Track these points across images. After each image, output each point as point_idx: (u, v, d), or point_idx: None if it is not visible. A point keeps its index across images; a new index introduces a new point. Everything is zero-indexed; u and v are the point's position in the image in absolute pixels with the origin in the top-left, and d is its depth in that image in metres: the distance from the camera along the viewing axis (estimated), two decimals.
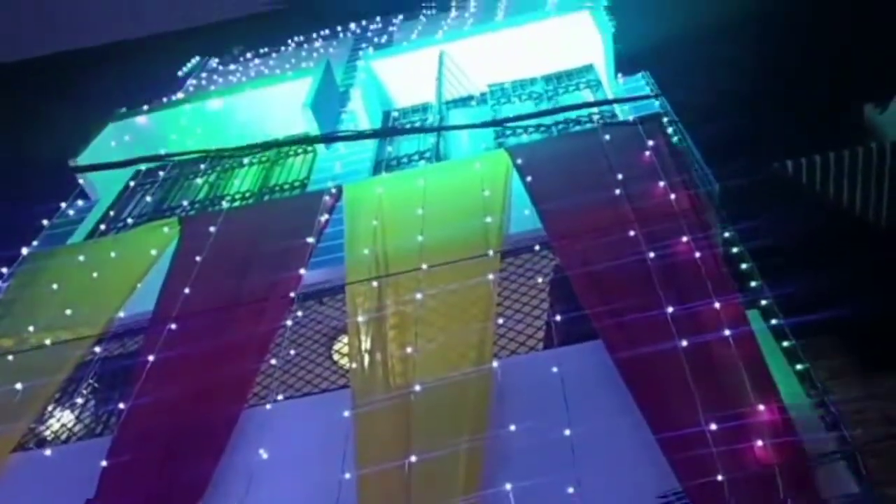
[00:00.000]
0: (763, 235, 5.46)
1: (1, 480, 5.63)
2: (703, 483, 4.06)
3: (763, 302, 5.11)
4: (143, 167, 9.99)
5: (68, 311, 6.73)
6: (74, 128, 10.28)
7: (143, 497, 5.02)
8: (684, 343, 4.80)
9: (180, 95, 11.86)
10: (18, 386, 5.97)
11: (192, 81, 13.21)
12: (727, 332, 4.78)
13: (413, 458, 4.57)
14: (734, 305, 5.02)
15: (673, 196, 5.99)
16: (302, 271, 6.49)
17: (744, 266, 5.42)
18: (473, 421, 4.81)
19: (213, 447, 5.23)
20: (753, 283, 5.30)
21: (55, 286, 7.07)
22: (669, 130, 6.91)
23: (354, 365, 5.57)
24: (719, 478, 3.98)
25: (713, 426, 4.32)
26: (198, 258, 6.91)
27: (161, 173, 9.91)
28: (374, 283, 6.07)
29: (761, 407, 4.35)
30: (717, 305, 4.96)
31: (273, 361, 5.98)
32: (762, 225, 5.54)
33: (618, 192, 6.19)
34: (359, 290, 6.15)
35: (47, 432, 6.44)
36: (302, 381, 6.28)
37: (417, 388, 5.04)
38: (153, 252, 7.29)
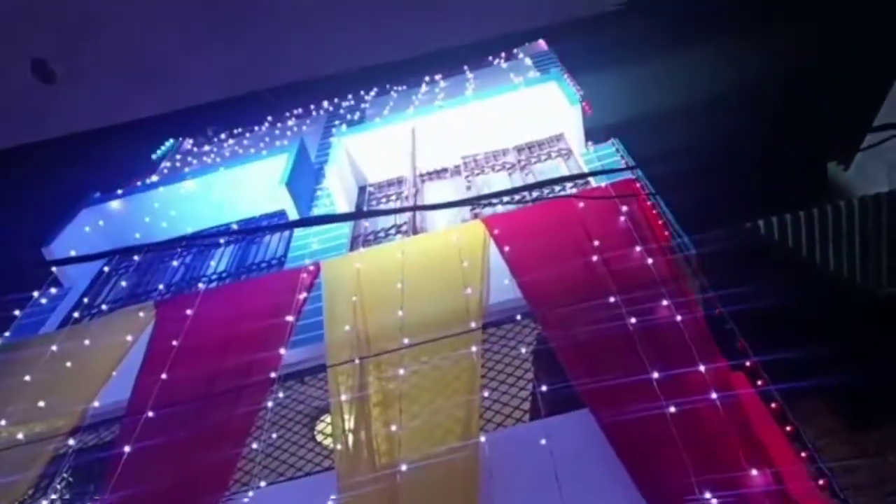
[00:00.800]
0: (743, 298, 5.49)
1: None
2: None
3: (748, 364, 5.10)
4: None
5: (41, 403, 6.54)
6: (47, 214, 10.21)
7: None
8: (672, 409, 4.76)
9: (154, 178, 11.87)
10: None
11: (166, 163, 13.24)
12: (714, 396, 4.76)
13: None
14: (720, 369, 5.01)
15: (651, 261, 6.04)
16: (282, 351, 6.41)
17: (726, 329, 5.43)
18: (462, 499, 4.69)
19: None
20: (737, 346, 5.29)
21: (27, 377, 6.88)
22: (643, 196, 7.01)
23: (339, 446, 5.46)
24: None
25: (707, 494, 4.25)
26: (174, 342, 6.80)
27: (136, 257, 9.82)
28: (357, 361, 5.99)
29: (754, 472, 4.30)
30: (702, 369, 4.95)
31: (255, 445, 5.84)
32: (741, 287, 5.57)
33: (595, 258, 6.23)
34: (341, 369, 6.07)
35: None
36: (285, 464, 6.11)
37: (404, 467, 4.93)
38: (129, 338, 7.17)
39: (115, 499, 5.44)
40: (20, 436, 6.29)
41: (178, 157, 13.63)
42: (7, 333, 8.24)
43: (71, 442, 6.21)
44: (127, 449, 5.69)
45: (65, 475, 6.40)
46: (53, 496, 6.21)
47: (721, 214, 7.34)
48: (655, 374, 4.96)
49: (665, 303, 5.57)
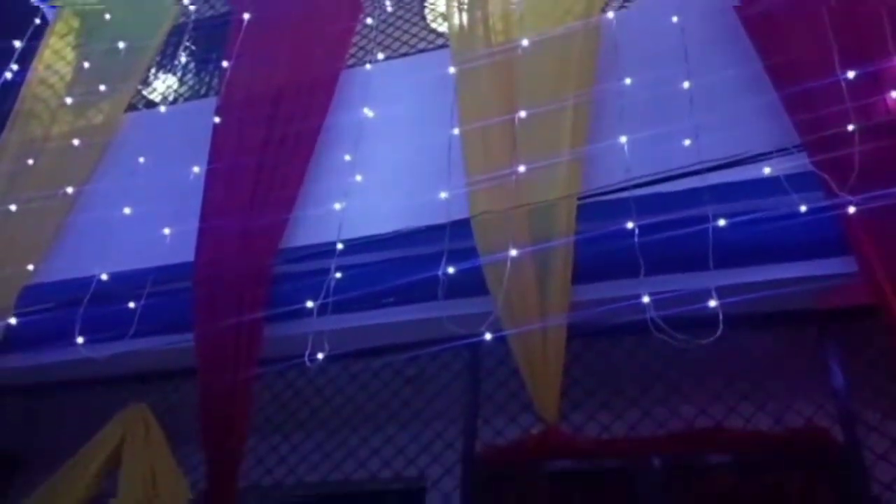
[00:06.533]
0: None
1: (118, 138, 5.92)
2: (828, 135, 3.87)
3: None
4: None
5: None
6: None
7: (256, 153, 5.14)
8: None
9: None
10: (121, 45, 6.01)
11: None
12: None
13: (523, 114, 4.50)
14: None
15: None
16: None
17: None
18: (580, 75, 4.63)
19: (318, 103, 5.26)
20: None
21: None
22: None
23: (454, 22, 5.33)
24: (849, 127, 3.77)
25: (842, 76, 3.99)
26: None
27: None
28: None
29: None
30: None
31: (369, 21, 5.82)
32: None
33: None
34: None
35: (154, 94, 6.58)
36: (398, 41, 6.07)
37: (525, 42, 4.81)
38: None
39: (238, 65, 5.64)
40: None
41: None
42: None
43: (191, 7, 6.31)
44: (246, 16, 5.74)
45: (187, 44, 6.63)
46: (180, 60, 6.51)
47: None
48: None
49: None
